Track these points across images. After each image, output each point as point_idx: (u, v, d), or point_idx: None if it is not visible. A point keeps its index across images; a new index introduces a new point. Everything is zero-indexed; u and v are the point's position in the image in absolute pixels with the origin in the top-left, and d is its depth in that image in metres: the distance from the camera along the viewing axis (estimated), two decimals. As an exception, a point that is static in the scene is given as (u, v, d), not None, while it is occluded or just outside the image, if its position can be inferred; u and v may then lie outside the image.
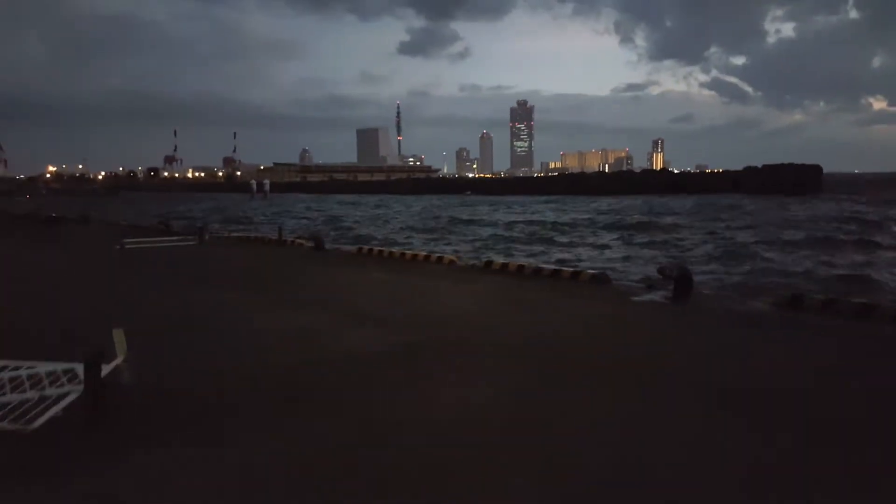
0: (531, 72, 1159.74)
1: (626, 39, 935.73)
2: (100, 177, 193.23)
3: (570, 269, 11.67)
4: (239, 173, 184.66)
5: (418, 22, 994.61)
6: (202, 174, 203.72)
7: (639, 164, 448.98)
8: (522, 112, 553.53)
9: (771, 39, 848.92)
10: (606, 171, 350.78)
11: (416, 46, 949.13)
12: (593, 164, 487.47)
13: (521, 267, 12.41)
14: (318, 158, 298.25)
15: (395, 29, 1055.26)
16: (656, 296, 10.00)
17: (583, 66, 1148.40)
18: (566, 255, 19.37)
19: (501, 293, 10.25)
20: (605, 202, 57.07)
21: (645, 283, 11.04)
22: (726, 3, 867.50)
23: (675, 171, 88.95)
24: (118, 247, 17.04)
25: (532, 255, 18.52)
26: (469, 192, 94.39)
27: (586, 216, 38.66)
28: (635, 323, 8.28)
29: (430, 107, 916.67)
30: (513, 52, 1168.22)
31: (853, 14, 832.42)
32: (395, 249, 15.80)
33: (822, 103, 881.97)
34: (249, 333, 7.62)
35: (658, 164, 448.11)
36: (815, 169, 71.89)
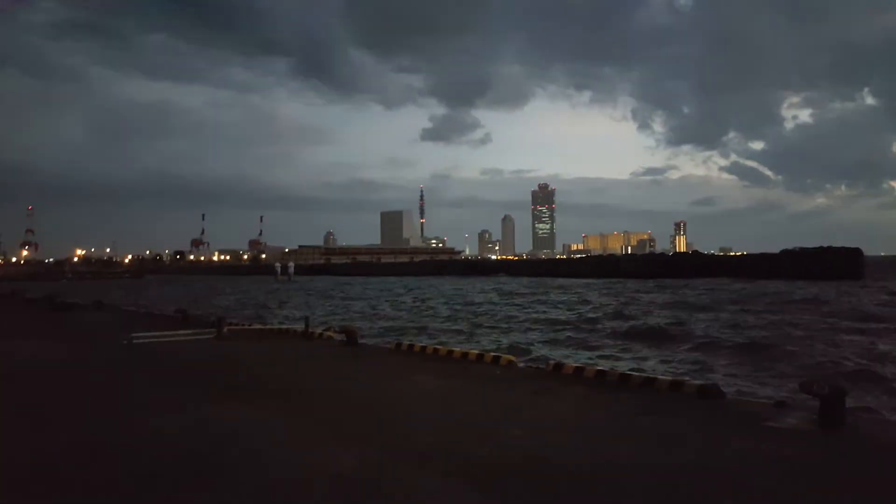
0: (551, 156, 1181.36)
1: (644, 126, 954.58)
2: (126, 260, 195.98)
3: (669, 378, 9.37)
4: (264, 256, 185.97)
5: (440, 110, 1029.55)
6: (228, 257, 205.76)
7: (661, 247, 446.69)
8: (544, 195, 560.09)
9: (788, 125, 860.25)
10: (628, 252, 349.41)
11: (438, 133, 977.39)
12: (615, 246, 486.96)
13: (601, 373, 10.13)
14: (342, 241, 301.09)
15: (418, 116, 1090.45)
16: (794, 418, 7.66)
17: (602, 151, 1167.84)
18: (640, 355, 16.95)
19: (594, 414, 7.97)
20: (647, 284, 54.46)
21: (772, 400, 8.65)
22: (742, 90, 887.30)
23: (704, 253, 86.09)
24: (125, 342, 15.12)
25: (599, 354, 16.12)
26: (502, 274, 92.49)
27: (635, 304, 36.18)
28: (806, 471, 5.90)
29: (452, 189, 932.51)
30: (533, 137, 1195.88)
31: (869, 101, 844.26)
32: (439, 346, 13.65)
33: (843, 187, 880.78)
34: (276, 483, 5.44)
35: (681, 246, 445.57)
36: (856, 252, 69.02)
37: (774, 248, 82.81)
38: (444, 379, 10.24)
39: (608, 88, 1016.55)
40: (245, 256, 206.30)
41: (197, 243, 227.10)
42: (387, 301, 38.62)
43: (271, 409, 8.21)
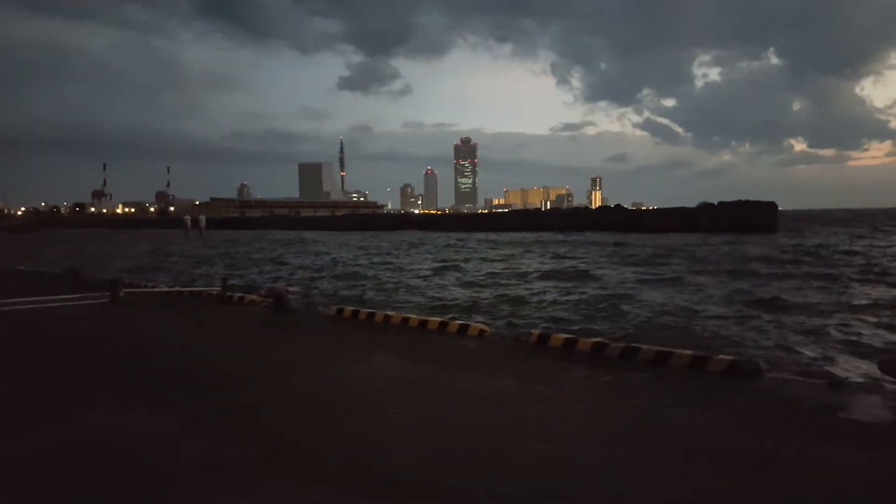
0: (472, 110, 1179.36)
1: (563, 81, 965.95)
2: (20, 212, 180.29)
3: (689, 353, 7.63)
4: (172, 209, 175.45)
5: (357, 58, 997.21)
6: (133, 210, 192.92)
7: (578, 201, 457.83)
8: (466, 149, 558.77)
9: (699, 83, 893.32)
10: (548, 207, 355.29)
11: (356, 82, 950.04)
12: (535, 200, 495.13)
13: (599, 345, 8.29)
14: (258, 194, 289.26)
15: (335, 64, 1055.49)
16: (870, 406, 6.11)
17: (522, 105, 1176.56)
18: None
19: (618, 410, 6.08)
20: (576, 238, 53.87)
21: (827, 379, 7.06)
22: (656, 48, 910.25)
23: (642, 207, 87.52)
24: (-11, 310, 12.06)
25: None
26: (415, 230, 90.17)
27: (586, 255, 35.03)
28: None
29: (373, 142, 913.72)
30: (454, 90, 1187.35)
31: (774, 61, 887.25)
32: (390, 312, 11.46)
33: (747, 145, 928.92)
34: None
35: (597, 201, 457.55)
36: (771, 206, 71.56)
37: (684, 204, 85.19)
38: (407, 360, 8.11)
39: (528, 41, 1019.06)
40: (152, 209, 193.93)
41: (98, 195, 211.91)
42: (313, 255, 35.81)
43: (177, 418, 5.83)
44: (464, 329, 9.76)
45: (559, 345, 8.57)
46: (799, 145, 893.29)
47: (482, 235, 65.10)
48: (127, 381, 7.29)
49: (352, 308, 11.86)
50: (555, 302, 15.46)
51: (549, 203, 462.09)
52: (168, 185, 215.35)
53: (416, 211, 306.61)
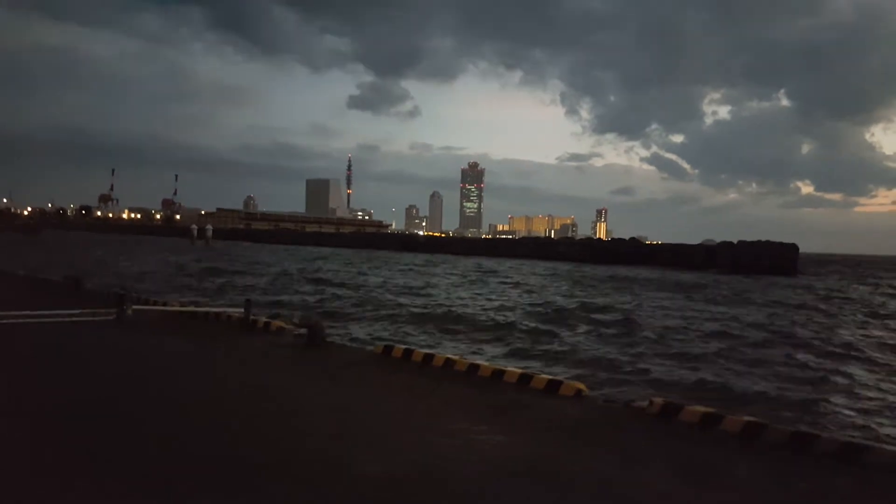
0: (480, 135, 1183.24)
1: (572, 111, 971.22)
2: (26, 212, 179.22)
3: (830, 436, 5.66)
4: (179, 217, 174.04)
5: (368, 77, 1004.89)
6: (139, 216, 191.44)
7: (583, 232, 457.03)
8: (473, 174, 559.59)
9: (708, 120, 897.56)
10: (552, 236, 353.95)
11: (366, 101, 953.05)
12: (539, 228, 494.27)
13: (754, 427, 6.30)
14: (264, 206, 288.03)
15: (345, 83, 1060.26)
16: None
17: (530, 133, 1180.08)
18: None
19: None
20: (599, 271, 51.87)
21: None
22: (666, 84, 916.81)
23: (646, 242, 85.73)
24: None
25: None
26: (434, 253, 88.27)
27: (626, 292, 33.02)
28: None
29: (380, 162, 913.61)
30: (462, 115, 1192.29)
31: (784, 102, 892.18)
32: (452, 355, 9.47)
33: (754, 184, 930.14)
34: None
35: (601, 232, 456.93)
36: (793, 248, 69.64)
37: (688, 239, 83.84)
38: (504, 430, 6.14)
39: (538, 71, 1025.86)
40: (157, 216, 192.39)
41: (105, 199, 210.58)
42: (330, 272, 33.90)
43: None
44: (554, 386, 7.77)
45: (696, 420, 6.59)
46: (806, 188, 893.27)
47: (513, 262, 62.95)
48: (125, 453, 5.32)
49: (402, 346, 9.87)
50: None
51: (553, 232, 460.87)
52: (175, 193, 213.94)
53: (421, 232, 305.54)
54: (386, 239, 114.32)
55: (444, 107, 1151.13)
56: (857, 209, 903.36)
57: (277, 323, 11.79)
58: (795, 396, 9.99)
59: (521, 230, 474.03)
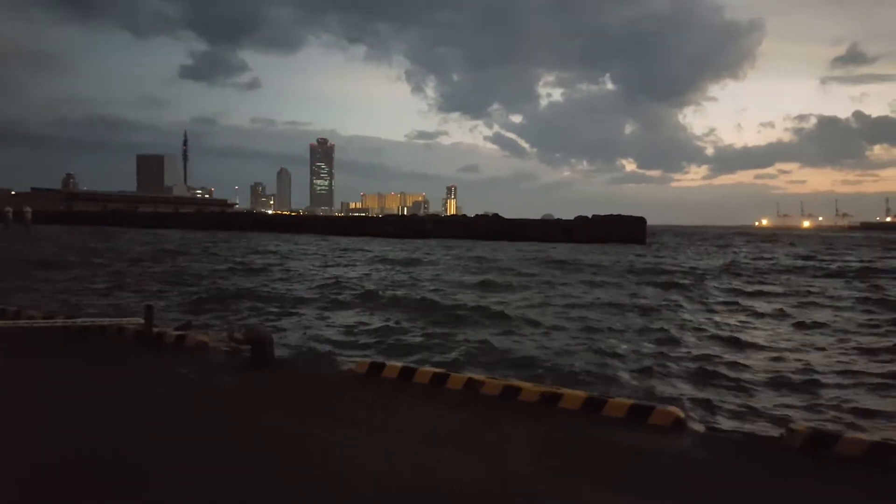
0: (326, 110, 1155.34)
1: (418, 89, 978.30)
2: None
3: None
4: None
5: (200, 46, 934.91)
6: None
7: (434, 209, 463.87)
8: (323, 150, 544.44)
9: (543, 102, 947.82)
10: (405, 213, 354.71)
11: (200, 72, 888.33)
12: (392, 205, 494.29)
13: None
14: (86, 185, 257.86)
15: (176, 51, 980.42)
16: None
17: (377, 110, 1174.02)
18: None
19: None
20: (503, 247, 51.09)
21: None
22: (505, 65, 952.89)
23: (505, 218, 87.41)
24: None
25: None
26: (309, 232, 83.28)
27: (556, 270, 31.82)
28: None
29: (219, 136, 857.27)
30: (306, 88, 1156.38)
31: (609, 86, 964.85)
32: (476, 375, 7.21)
33: (585, 162, 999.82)
34: None
35: (452, 209, 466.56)
36: (641, 221, 74.58)
37: (529, 214, 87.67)
38: None
39: (382, 45, 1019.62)
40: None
41: None
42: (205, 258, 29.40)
43: None
44: (640, 413, 5.90)
45: (858, 453, 5.04)
46: (630, 165, 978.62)
47: (381, 242, 60.55)
48: None
49: (399, 364, 7.44)
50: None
51: (405, 209, 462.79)
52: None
53: (270, 211, 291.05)
54: (235, 219, 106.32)
55: (286, 80, 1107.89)
56: (672, 184, 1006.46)
57: (198, 337, 8.77)
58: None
59: (374, 207, 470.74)
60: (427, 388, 6.82)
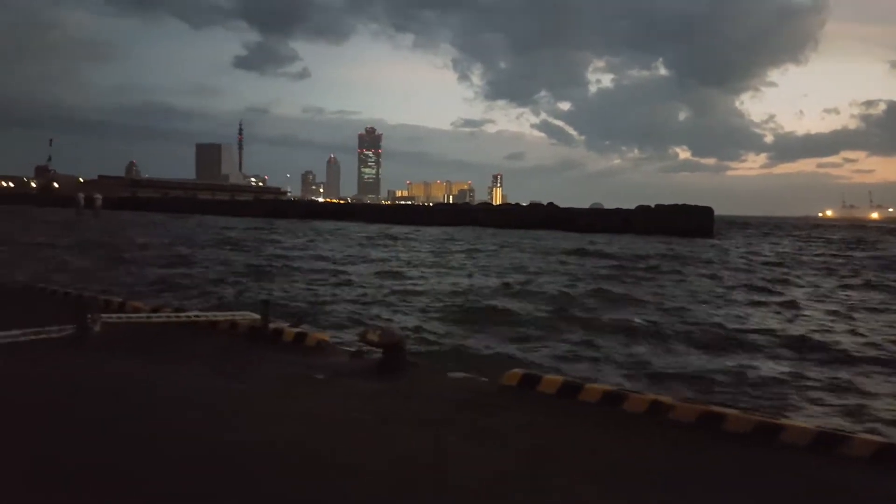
0: (374, 99, 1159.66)
1: (463, 77, 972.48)
2: None
3: None
4: (57, 185, 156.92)
5: (252, 36, 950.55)
6: (11, 184, 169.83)
7: (480, 197, 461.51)
8: (371, 139, 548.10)
9: (592, 88, 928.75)
10: (451, 201, 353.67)
11: (252, 62, 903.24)
12: (438, 194, 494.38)
13: None
14: (147, 173, 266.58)
15: (229, 41, 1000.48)
16: None
17: (424, 98, 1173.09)
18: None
19: None
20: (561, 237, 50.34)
21: None
22: (553, 51, 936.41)
23: (560, 206, 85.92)
24: None
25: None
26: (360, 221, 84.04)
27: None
28: None
29: (271, 126, 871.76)
30: (354, 77, 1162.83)
31: (662, 71, 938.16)
32: (667, 399, 6.65)
33: (636, 150, 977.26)
34: None
35: (497, 198, 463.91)
36: (708, 211, 71.70)
37: (577, 204, 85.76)
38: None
39: (429, 33, 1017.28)
40: (33, 185, 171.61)
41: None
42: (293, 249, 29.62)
43: None
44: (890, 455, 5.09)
45: None
46: (683, 153, 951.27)
47: (437, 230, 60.31)
48: None
49: (560, 378, 6.91)
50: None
51: (451, 197, 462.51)
52: (49, 160, 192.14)
53: (320, 199, 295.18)
54: (289, 207, 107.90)
55: (335, 69, 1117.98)
56: (728, 173, 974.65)
57: (318, 335, 8.58)
58: None
59: (420, 196, 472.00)
60: (597, 409, 6.32)
